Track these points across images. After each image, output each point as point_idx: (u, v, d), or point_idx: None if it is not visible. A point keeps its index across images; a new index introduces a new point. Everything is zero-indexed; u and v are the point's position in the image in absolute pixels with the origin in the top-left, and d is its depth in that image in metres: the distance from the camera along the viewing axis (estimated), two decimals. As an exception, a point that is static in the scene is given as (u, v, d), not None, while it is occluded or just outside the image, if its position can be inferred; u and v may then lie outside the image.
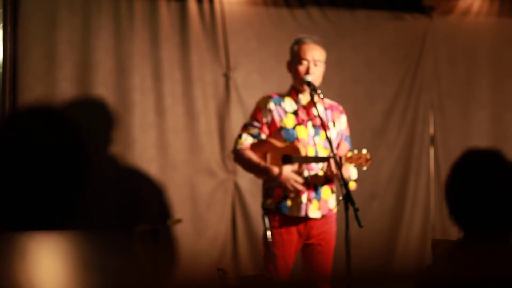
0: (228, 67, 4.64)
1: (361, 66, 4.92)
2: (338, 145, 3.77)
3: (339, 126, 3.78)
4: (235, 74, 4.65)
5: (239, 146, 3.69)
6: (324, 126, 3.45)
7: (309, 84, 3.59)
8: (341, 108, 3.86)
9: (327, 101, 3.81)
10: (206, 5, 4.60)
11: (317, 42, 3.72)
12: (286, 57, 4.80)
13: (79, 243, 1.24)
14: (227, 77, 4.64)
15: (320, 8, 4.88)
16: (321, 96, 3.56)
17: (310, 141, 3.64)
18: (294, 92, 3.72)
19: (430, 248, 4.19)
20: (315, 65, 3.65)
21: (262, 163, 3.63)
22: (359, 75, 4.91)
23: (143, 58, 4.46)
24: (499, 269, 1.65)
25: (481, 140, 5.06)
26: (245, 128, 3.71)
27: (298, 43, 3.71)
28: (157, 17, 4.49)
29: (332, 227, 3.71)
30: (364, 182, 4.81)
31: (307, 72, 3.63)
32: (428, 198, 5.02)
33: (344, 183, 3.28)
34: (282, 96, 3.74)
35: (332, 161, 3.48)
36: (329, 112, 3.77)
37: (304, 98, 3.69)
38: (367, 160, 3.62)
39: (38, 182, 1.30)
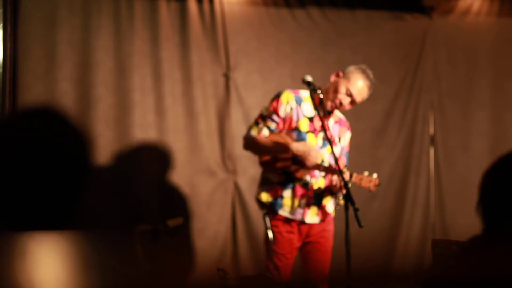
0: (228, 67, 4.64)
1: (361, 66, 4.92)
2: (338, 159, 3.74)
3: (344, 141, 3.76)
4: (235, 74, 4.65)
5: (253, 133, 3.59)
6: (330, 142, 3.40)
7: (309, 84, 3.57)
8: (348, 124, 3.83)
9: (338, 115, 3.77)
10: (206, 5, 4.60)
11: (370, 86, 3.63)
12: (286, 57, 4.81)
13: (79, 243, 1.24)
14: (227, 77, 4.64)
15: (320, 8, 4.88)
16: (321, 96, 3.53)
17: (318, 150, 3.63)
18: (317, 98, 3.55)
19: (430, 248, 4.19)
20: (351, 103, 3.60)
21: (280, 140, 3.55)
22: (359, 75, 4.90)
23: (143, 58, 4.46)
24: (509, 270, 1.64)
25: (481, 140, 5.06)
26: (263, 119, 3.61)
27: (358, 77, 3.60)
28: (157, 17, 4.49)
29: (331, 227, 3.72)
30: (364, 182, 4.81)
31: (341, 104, 3.58)
32: (428, 198, 5.02)
33: (344, 183, 3.27)
34: (303, 97, 3.66)
35: (346, 176, 3.49)
36: (337, 126, 3.74)
37: (323, 109, 3.64)
38: (375, 185, 3.60)
39: (38, 182, 1.30)
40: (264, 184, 3.65)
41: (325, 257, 3.68)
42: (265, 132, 3.59)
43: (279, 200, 3.60)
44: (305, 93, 3.67)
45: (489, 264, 1.67)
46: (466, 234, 1.85)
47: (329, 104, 3.62)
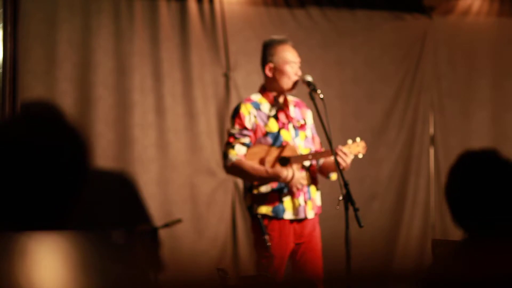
0: (228, 67, 4.64)
1: (361, 66, 4.92)
2: (313, 139, 3.75)
3: (309, 121, 3.76)
4: (235, 74, 4.65)
5: (235, 158, 3.52)
6: (325, 127, 3.42)
7: (309, 84, 3.57)
8: (304, 103, 3.79)
9: (292, 99, 3.75)
10: (206, 5, 4.60)
11: (291, 43, 3.70)
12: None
13: (79, 243, 1.24)
14: (227, 77, 4.64)
15: (320, 8, 4.88)
16: (321, 96, 3.53)
17: (294, 143, 3.64)
18: (269, 95, 3.64)
19: (430, 248, 4.19)
20: (299, 66, 3.65)
21: (269, 169, 3.52)
22: (359, 75, 4.91)
23: (143, 58, 4.46)
24: (505, 268, 1.65)
25: (481, 140, 5.06)
26: (235, 138, 3.55)
27: (279, 43, 3.65)
28: (157, 17, 4.49)
29: (318, 226, 3.70)
30: (364, 182, 4.81)
31: (296, 74, 3.62)
32: (428, 198, 5.02)
33: (345, 183, 3.27)
34: (257, 100, 3.65)
35: (340, 152, 3.48)
36: (297, 109, 3.74)
37: (281, 100, 3.67)
38: (364, 148, 3.63)
39: (38, 182, 1.30)
40: (258, 198, 3.58)
41: (317, 257, 3.66)
42: (243, 150, 3.54)
43: (280, 206, 3.55)
44: (256, 96, 3.67)
45: (478, 265, 1.68)
46: (466, 234, 1.86)
47: (290, 87, 3.62)
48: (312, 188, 3.66)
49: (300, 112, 3.74)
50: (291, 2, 4.82)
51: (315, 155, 3.58)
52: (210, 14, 4.61)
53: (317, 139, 3.79)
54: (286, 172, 3.49)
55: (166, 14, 4.51)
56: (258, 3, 4.73)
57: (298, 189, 3.54)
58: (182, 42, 4.55)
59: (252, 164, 3.54)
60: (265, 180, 3.54)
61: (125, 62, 4.42)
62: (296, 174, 3.52)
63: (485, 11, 5.15)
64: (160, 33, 4.49)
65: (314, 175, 3.68)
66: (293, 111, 3.70)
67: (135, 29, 4.44)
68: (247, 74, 4.67)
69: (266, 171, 3.51)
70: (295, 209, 3.57)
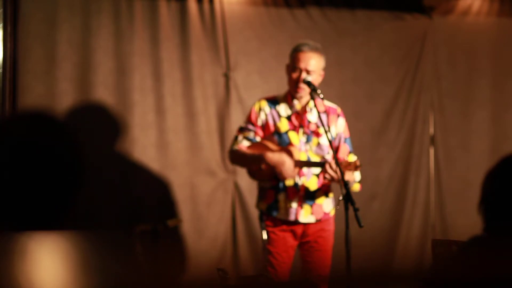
0: (228, 67, 4.64)
1: (361, 66, 4.92)
2: (338, 148, 3.73)
3: (336, 129, 3.72)
4: (235, 74, 4.66)
5: (234, 147, 3.70)
6: (326, 130, 3.42)
7: (309, 84, 3.57)
8: (339, 110, 3.78)
9: (325, 104, 3.74)
10: (206, 5, 4.60)
11: (315, 50, 3.61)
12: (286, 57, 4.81)
13: (79, 243, 1.24)
14: (227, 77, 4.64)
15: (320, 8, 4.88)
16: (321, 96, 3.53)
17: (302, 148, 3.64)
18: (289, 97, 3.69)
19: (430, 248, 4.18)
20: (308, 73, 3.58)
21: (256, 153, 3.61)
22: (359, 75, 4.91)
23: (143, 58, 4.46)
24: (506, 270, 1.64)
25: (481, 140, 5.06)
26: (241, 131, 3.71)
27: (296, 50, 3.64)
28: (157, 17, 4.49)
29: (330, 226, 3.71)
30: (364, 182, 4.80)
31: (297, 81, 3.61)
32: (428, 198, 5.02)
33: (344, 183, 3.27)
34: (278, 99, 3.72)
35: (328, 166, 3.43)
36: (324, 116, 3.71)
37: (299, 103, 3.68)
38: (356, 167, 3.49)
39: (38, 182, 1.30)
40: (260, 193, 3.72)
41: (325, 257, 3.68)
42: (245, 143, 3.67)
43: (274, 205, 3.64)
44: (279, 95, 3.75)
45: (489, 264, 1.67)
46: (466, 234, 1.86)
47: (297, 95, 3.65)
48: (319, 194, 3.66)
49: (327, 119, 3.72)
50: (291, 2, 4.82)
51: (306, 163, 3.59)
52: (210, 14, 4.61)
53: (345, 148, 3.75)
54: (271, 155, 3.53)
55: (166, 14, 4.52)
56: (258, 3, 4.73)
57: (281, 175, 3.55)
58: (182, 42, 4.55)
59: (246, 150, 3.66)
60: (253, 160, 3.60)
61: (125, 62, 4.42)
62: (280, 157, 3.52)
63: (485, 11, 5.15)
64: (160, 33, 4.49)
65: (326, 183, 3.68)
66: (315, 117, 3.68)
67: (135, 29, 4.44)
68: (247, 74, 4.68)
69: (254, 154, 3.60)
70: (286, 210, 3.62)
